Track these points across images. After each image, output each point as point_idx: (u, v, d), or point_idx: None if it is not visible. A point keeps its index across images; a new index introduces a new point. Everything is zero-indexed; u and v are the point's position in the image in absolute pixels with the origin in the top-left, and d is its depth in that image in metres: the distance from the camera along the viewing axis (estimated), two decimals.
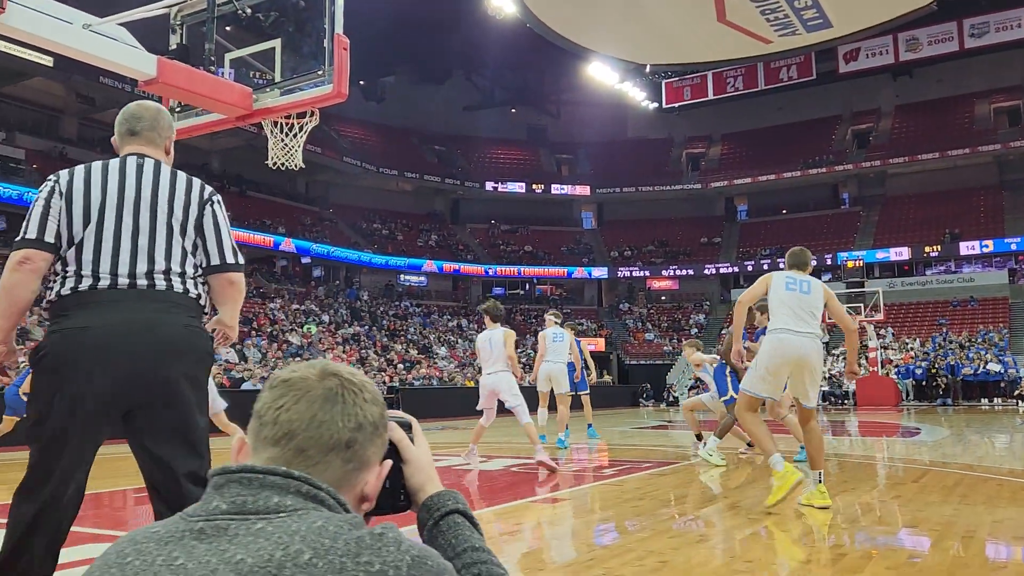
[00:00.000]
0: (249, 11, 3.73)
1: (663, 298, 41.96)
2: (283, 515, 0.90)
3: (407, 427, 1.16)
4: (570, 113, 45.82)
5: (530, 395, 8.55)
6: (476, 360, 28.61)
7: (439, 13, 31.94)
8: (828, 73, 36.78)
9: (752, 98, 39.11)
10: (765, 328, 6.22)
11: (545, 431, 9.92)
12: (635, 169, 44.03)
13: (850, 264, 29.83)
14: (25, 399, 6.96)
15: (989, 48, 33.77)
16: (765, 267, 35.40)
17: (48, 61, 22.81)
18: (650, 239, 43.10)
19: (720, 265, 40.50)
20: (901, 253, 36.52)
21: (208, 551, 0.87)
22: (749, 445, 8.27)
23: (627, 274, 41.84)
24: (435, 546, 1.08)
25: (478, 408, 7.71)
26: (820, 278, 5.93)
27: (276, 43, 3.78)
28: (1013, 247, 34.57)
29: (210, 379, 3.08)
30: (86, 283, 2.29)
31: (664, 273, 41.57)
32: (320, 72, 3.61)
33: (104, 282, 2.29)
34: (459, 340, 33.36)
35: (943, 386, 24.84)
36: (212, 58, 3.60)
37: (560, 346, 9.88)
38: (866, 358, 25.22)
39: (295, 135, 4.22)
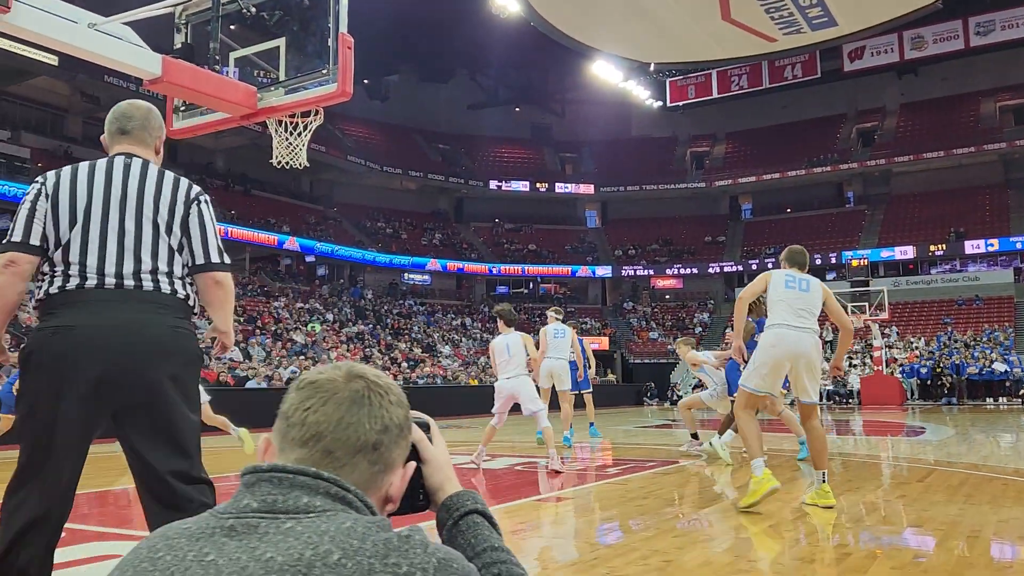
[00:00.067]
0: (254, 10, 3.73)
1: (667, 297, 41.91)
2: (312, 515, 0.91)
3: (425, 427, 1.17)
4: (574, 112, 45.80)
5: None
6: (481, 360, 28.84)
7: (443, 12, 31.97)
8: (833, 71, 36.75)
9: (756, 96, 39.09)
10: (761, 320, 6.22)
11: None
12: (639, 168, 43.97)
13: (855, 263, 29.79)
14: None
15: (995, 46, 33.70)
16: (769, 266, 35.19)
17: (53, 60, 22.85)
18: (654, 238, 43.04)
19: (724, 264, 40.42)
20: (906, 252, 36.40)
21: (238, 548, 0.88)
22: None
23: (631, 273, 41.79)
24: (455, 545, 1.09)
25: (493, 411, 7.64)
26: (825, 277, 5.94)
27: (280, 42, 3.78)
28: (1019, 246, 34.43)
29: None
30: (73, 282, 2.30)
31: (668, 272, 41.50)
32: (324, 71, 3.60)
33: (91, 281, 2.30)
34: (463, 339, 33.37)
35: (948, 385, 24.78)
36: (217, 57, 3.60)
37: (562, 342, 9.79)
38: (871, 357, 25.18)
39: (299, 134, 4.22)
